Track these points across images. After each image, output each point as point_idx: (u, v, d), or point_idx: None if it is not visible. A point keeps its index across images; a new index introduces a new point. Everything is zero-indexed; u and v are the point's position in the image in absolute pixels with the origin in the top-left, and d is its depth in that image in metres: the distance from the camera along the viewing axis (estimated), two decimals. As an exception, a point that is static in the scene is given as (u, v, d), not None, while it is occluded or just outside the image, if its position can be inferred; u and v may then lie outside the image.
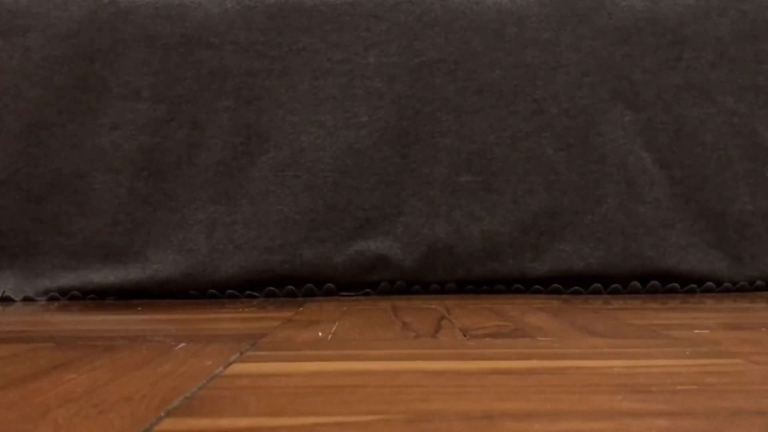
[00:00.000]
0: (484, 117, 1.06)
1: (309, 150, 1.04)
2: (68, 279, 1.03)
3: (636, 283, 1.06)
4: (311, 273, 1.04)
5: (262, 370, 0.47)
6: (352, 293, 1.05)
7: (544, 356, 0.50)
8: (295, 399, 0.37)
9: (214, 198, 1.04)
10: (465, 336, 0.61)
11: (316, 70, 1.06)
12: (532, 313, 0.79)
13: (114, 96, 1.05)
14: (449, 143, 1.06)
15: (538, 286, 1.06)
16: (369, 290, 1.05)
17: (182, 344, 0.58)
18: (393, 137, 1.06)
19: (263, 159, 1.05)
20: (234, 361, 0.49)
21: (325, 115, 1.05)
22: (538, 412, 0.34)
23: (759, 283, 1.08)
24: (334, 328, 0.67)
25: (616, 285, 1.05)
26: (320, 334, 0.63)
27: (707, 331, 0.64)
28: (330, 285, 1.04)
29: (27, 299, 1.03)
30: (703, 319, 0.74)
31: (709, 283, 1.07)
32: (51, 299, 1.03)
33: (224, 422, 0.33)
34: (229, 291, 1.03)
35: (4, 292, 1.03)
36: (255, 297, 1.03)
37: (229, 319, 0.77)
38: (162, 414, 0.34)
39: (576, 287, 1.05)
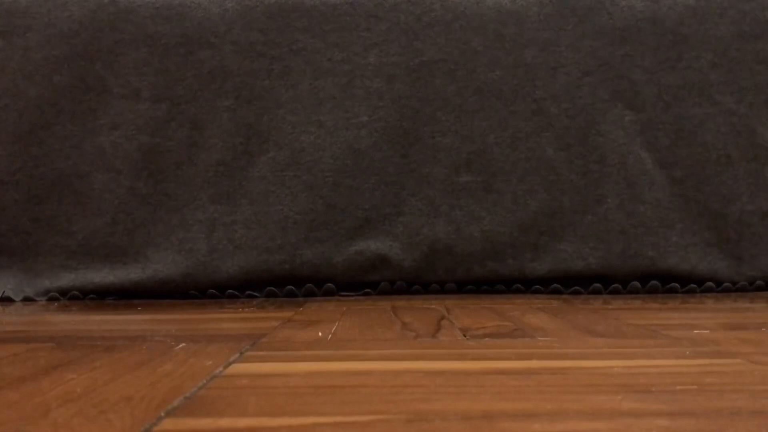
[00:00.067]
0: (484, 117, 1.06)
1: (309, 150, 1.04)
2: (68, 279, 1.03)
3: (636, 283, 1.06)
4: (311, 273, 1.04)
5: (262, 370, 0.47)
6: (352, 293, 1.05)
7: (544, 356, 0.50)
8: (294, 399, 0.37)
9: (214, 198, 1.04)
10: (465, 336, 0.61)
11: (316, 70, 1.06)
12: (532, 313, 0.79)
13: (114, 96, 1.05)
14: (449, 143, 1.06)
15: (538, 286, 1.06)
16: (369, 290, 1.05)
17: (182, 344, 0.58)
18: (393, 137, 1.06)
19: (263, 159, 1.05)
20: (234, 361, 0.49)
21: (325, 115, 1.05)
22: (538, 412, 0.34)
23: (759, 283, 1.08)
24: (334, 328, 0.67)
25: (616, 285, 1.05)
26: (320, 334, 0.63)
27: (707, 331, 0.64)
28: (330, 285, 1.04)
29: (27, 299, 1.03)
30: (703, 319, 0.74)
31: (709, 283, 1.07)
32: (51, 299, 1.03)
33: (224, 422, 0.33)
34: (229, 291, 1.03)
35: (4, 292, 1.03)
36: (255, 297, 1.03)
37: (229, 319, 0.77)
38: (162, 414, 0.34)
39: (576, 287, 1.05)
